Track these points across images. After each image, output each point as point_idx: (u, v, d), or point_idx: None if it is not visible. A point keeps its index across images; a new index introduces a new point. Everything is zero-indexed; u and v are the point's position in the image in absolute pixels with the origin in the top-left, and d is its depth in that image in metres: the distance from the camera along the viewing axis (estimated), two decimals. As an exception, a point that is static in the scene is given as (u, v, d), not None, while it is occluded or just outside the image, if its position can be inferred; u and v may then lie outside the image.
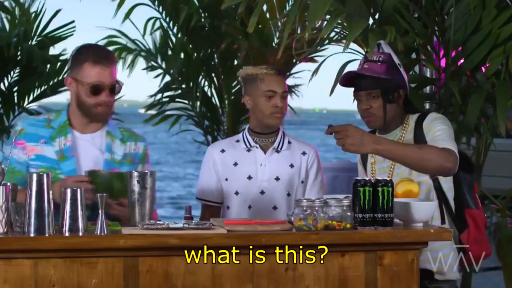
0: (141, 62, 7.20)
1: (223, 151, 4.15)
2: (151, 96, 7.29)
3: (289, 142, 4.16)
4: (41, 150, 3.79)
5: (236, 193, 4.09)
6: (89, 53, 3.78)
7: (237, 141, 4.17)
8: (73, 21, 6.59)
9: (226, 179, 4.12)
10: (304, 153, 4.16)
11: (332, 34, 6.47)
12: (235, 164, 4.11)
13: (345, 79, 3.98)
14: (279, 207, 4.06)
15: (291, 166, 4.12)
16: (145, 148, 3.95)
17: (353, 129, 3.57)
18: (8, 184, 3.23)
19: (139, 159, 3.92)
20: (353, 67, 4.67)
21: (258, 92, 4.06)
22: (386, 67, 3.90)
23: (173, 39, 7.14)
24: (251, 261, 3.30)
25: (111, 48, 6.95)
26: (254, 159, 4.10)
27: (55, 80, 6.56)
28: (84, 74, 3.75)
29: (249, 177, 4.08)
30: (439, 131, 3.81)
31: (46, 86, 6.54)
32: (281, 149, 4.13)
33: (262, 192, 4.07)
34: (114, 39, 7.21)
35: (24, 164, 3.78)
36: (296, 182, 4.11)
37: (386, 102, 3.88)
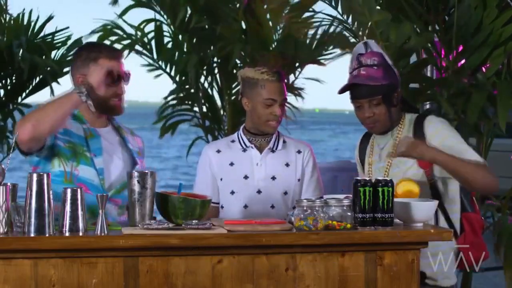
0: (140, 60, 7.18)
1: (218, 151, 4.15)
2: (161, 109, 7.22)
3: (284, 142, 4.16)
4: (70, 125, 3.78)
5: (232, 192, 4.09)
6: None
7: (233, 141, 4.17)
8: (67, 27, 6.61)
9: (221, 179, 4.12)
10: (299, 152, 4.15)
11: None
12: (231, 164, 4.11)
13: (345, 87, 3.95)
14: (276, 206, 4.06)
15: (287, 165, 4.11)
16: (142, 141, 4.05)
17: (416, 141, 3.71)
18: (8, 184, 3.23)
19: (143, 152, 4.00)
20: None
21: (257, 98, 4.03)
22: (383, 71, 3.85)
23: (173, 39, 7.13)
24: (251, 261, 3.30)
25: (107, 39, 6.92)
26: (250, 159, 4.10)
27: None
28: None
29: (246, 177, 4.08)
30: (451, 140, 3.80)
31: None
32: (276, 148, 4.12)
33: (259, 192, 4.07)
34: (109, 27, 7.06)
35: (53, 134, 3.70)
36: (292, 180, 4.11)
37: (389, 107, 3.86)
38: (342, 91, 3.92)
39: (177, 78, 7.12)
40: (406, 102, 4.02)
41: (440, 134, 3.83)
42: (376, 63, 3.86)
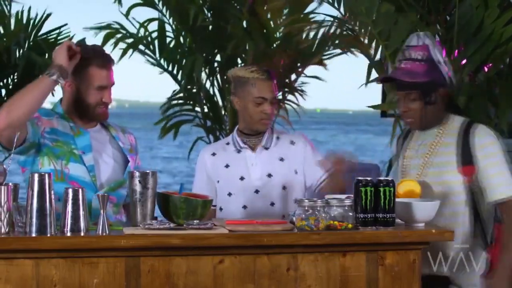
0: (143, 60, 7.19)
1: (214, 154, 4.15)
2: (164, 108, 7.22)
3: (277, 138, 4.16)
4: (57, 124, 3.77)
5: (229, 194, 4.09)
6: None
7: (227, 143, 4.17)
8: (66, 24, 6.62)
9: (218, 181, 4.12)
10: (292, 142, 4.15)
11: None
12: (227, 166, 4.11)
13: (382, 79, 3.90)
14: (276, 202, 4.06)
15: (281, 159, 4.11)
16: (135, 138, 4.03)
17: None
18: (10, 184, 3.23)
19: (135, 149, 3.98)
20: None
21: (248, 97, 4.04)
22: (427, 66, 3.74)
23: (175, 39, 7.13)
24: (252, 261, 3.30)
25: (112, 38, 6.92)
26: (245, 159, 4.10)
27: None
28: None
29: (242, 178, 4.08)
30: (496, 158, 3.72)
31: None
32: (269, 145, 4.12)
33: (257, 191, 4.07)
34: (113, 26, 7.05)
35: (37, 132, 3.68)
36: (289, 174, 4.10)
37: (426, 104, 3.75)
38: (380, 81, 3.90)
39: (179, 78, 7.13)
40: (453, 103, 3.90)
41: (489, 149, 3.73)
42: (421, 57, 3.76)
